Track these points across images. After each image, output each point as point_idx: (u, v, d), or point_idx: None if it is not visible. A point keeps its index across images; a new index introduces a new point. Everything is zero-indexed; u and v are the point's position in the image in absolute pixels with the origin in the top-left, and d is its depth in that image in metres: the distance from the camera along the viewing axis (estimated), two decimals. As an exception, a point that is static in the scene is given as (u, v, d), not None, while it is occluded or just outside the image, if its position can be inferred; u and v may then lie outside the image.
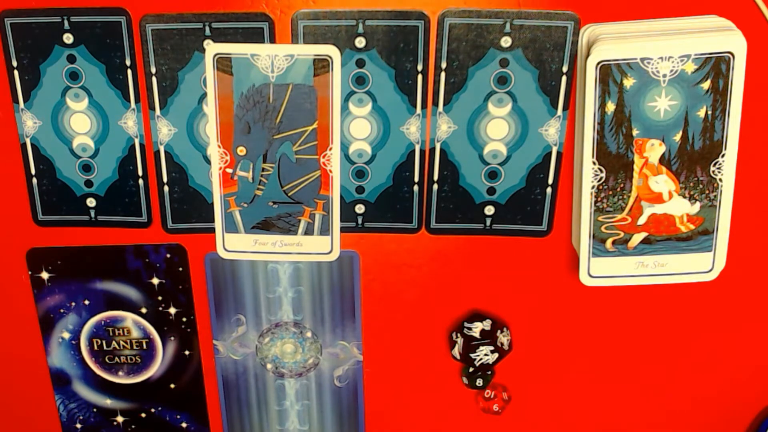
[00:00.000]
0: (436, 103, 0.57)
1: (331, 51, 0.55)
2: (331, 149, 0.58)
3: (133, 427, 0.71)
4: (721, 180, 0.55)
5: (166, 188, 0.61)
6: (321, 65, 0.56)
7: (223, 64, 0.56)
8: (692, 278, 0.58)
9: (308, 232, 0.61)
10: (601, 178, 0.56)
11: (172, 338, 0.67)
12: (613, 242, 0.58)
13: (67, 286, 0.66)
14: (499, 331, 0.63)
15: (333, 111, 0.57)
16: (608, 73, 0.53)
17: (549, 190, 0.59)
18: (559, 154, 0.58)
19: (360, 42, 0.56)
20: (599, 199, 0.56)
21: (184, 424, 0.71)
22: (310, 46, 0.56)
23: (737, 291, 0.62)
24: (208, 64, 0.56)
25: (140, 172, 0.61)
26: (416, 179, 0.60)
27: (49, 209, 0.63)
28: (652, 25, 0.54)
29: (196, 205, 0.62)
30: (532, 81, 0.56)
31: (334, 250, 0.61)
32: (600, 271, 0.58)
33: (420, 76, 0.56)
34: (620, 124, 0.54)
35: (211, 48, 0.56)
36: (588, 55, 0.53)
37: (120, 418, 0.71)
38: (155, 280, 0.65)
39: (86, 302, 0.66)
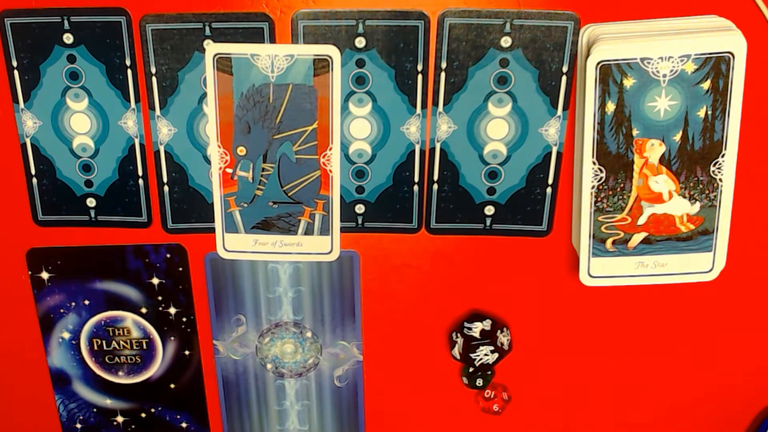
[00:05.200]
0: (436, 103, 0.57)
1: (331, 51, 0.55)
2: (331, 149, 0.58)
3: (133, 427, 0.71)
4: (721, 180, 0.55)
5: (166, 188, 0.61)
6: (321, 65, 0.56)
7: (223, 64, 0.56)
8: (692, 278, 0.58)
9: (308, 232, 0.61)
10: (601, 178, 0.56)
11: (172, 338, 0.67)
12: (613, 242, 0.58)
13: (67, 286, 0.65)
14: (499, 331, 0.63)
15: (333, 111, 0.57)
16: (608, 73, 0.53)
17: (549, 190, 0.59)
18: (559, 154, 0.58)
19: (360, 42, 0.56)
20: (599, 199, 0.56)
21: (184, 424, 0.71)
22: (310, 46, 0.56)
23: (737, 291, 0.62)
24: (208, 64, 0.56)
25: (140, 172, 0.61)
26: (416, 179, 0.60)
27: (49, 209, 0.63)
28: (652, 25, 0.54)
29: (196, 205, 0.62)
30: (532, 81, 0.56)
31: (334, 250, 0.61)
32: (600, 271, 0.58)
33: (420, 76, 0.56)
34: (620, 124, 0.54)
35: (211, 48, 0.56)
36: (588, 55, 0.53)
37: (120, 418, 0.71)
38: (155, 280, 0.65)
39: (86, 302, 0.66)
